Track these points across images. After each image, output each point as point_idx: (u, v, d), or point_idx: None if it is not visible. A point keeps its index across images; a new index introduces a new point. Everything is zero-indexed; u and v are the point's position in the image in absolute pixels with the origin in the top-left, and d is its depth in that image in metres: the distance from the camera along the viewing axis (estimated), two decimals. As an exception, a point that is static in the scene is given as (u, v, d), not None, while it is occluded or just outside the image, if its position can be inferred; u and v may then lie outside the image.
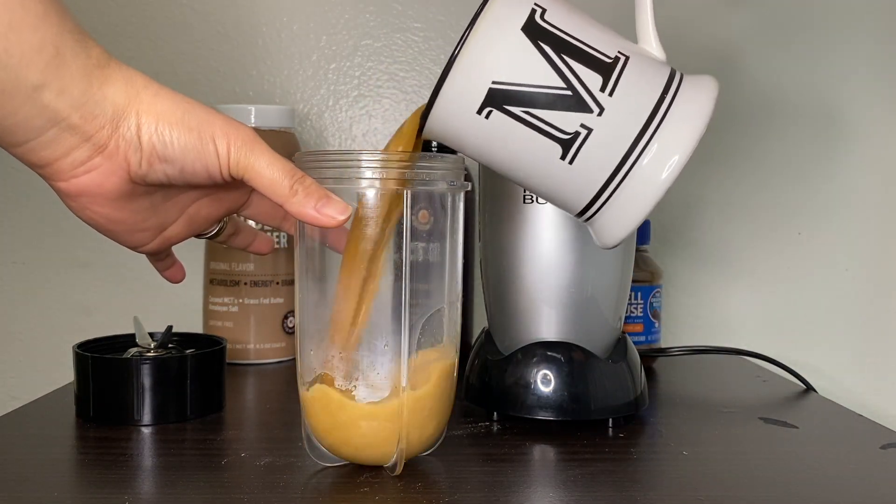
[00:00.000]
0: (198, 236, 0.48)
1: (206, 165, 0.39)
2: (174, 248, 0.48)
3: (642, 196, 0.40)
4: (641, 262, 0.67)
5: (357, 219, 0.41)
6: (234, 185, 0.42)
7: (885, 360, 0.82)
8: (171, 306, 0.80)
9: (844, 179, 0.81)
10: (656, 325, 0.68)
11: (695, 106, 0.40)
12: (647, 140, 0.39)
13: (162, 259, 0.48)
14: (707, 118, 0.40)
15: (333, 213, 0.40)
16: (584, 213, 0.42)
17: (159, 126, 0.38)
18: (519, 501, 0.39)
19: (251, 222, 0.59)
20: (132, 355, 0.53)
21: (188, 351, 0.54)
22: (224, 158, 0.39)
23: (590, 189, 0.40)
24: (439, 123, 0.40)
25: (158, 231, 0.43)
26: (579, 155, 0.39)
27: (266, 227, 0.64)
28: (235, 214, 0.49)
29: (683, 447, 0.48)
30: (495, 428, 0.51)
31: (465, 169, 0.44)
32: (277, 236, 0.68)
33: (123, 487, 0.40)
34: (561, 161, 0.40)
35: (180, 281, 0.50)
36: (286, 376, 0.65)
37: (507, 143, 0.40)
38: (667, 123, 0.39)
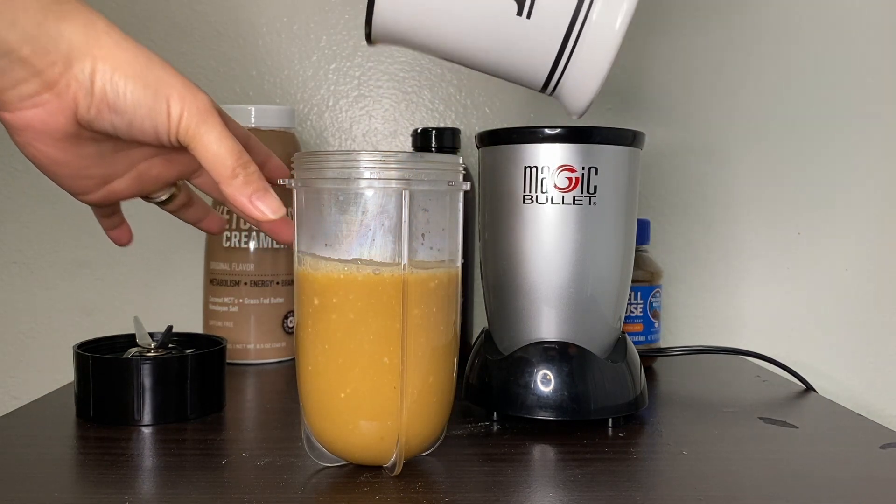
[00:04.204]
0: (147, 199, 0.46)
1: (156, 125, 0.38)
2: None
3: (601, 48, 0.40)
4: (641, 262, 0.67)
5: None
6: (185, 149, 0.41)
7: (885, 360, 0.82)
8: (171, 306, 0.80)
9: (845, 179, 0.81)
10: (656, 325, 0.68)
11: None
12: None
13: (108, 216, 0.47)
14: None
15: (266, 208, 0.39)
16: (550, 81, 0.42)
17: (115, 76, 0.37)
18: (519, 501, 0.39)
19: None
20: (132, 355, 0.53)
21: (188, 351, 0.54)
22: (175, 122, 0.38)
23: (552, 46, 0.40)
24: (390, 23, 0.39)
25: (103, 182, 0.42)
26: (535, 6, 0.39)
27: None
28: (189, 183, 0.47)
29: (683, 447, 0.48)
30: (495, 428, 0.51)
31: (465, 169, 0.44)
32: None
33: (123, 487, 0.40)
34: (518, 17, 0.40)
35: (127, 243, 0.49)
36: (286, 376, 0.65)
37: (462, 13, 0.40)
38: None
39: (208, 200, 0.59)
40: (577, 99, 0.43)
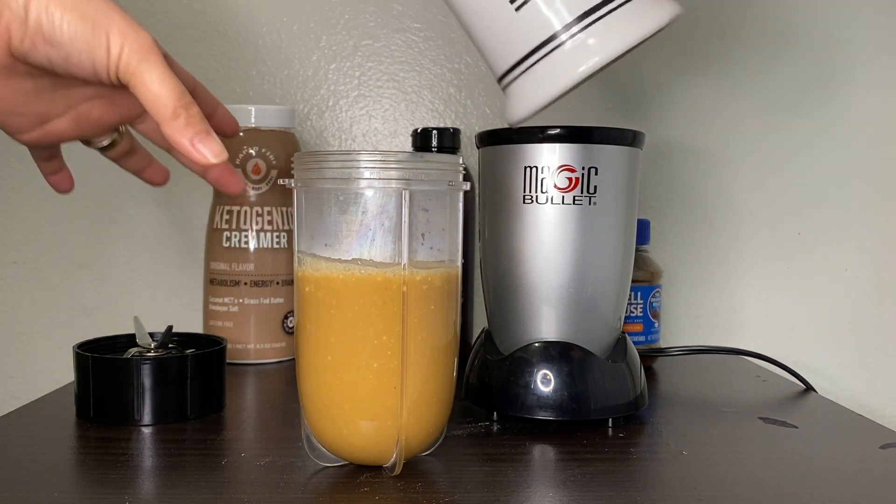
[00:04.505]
0: (88, 144, 0.45)
1: (94, 61, 0.37)
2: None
3: (557, 77, 0.42)
4: (641, 262, 0.67)
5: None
6: (128, 90, 0.39)
7: (885, 361, 0.82)
8: (171, 306, 0.80)
9: (845, 180, 0.81)
10: (656, 325, 0.68)
11: (639, 20, 0.41)
12: (586, 25, 0.41)
13: (47, 159, 0.46)
14: (642, 36, 0.41)
15: (208, 151, 0.38)
16: (506, 77, 0.44)
17: (51, 6, 0.36)
18: (519, 501, 0.39)
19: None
20: (132, 355, 0.53)
21: (188, 351, 0.54)
22: (114, 59, 0.37)
23: (522, 47, 0.42)
24: None
25: (40, 121, 0.41)
26: (527, 4, 0.41)
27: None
28: (131, 128, 0.46)
29: (683, 447, 0.48)
30: (495, 428, 0.51)
31: (465, 169, 0.44)
32: (277, 236, 0.68)
33: (123, 487, 0.40)
34: (509, 4, 0.41)
35: (67, 191, 0.48)
36: (286, 376, 0.65)
37: None
38: (609, 19, 0.41)
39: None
40: (517, 108, 0.44)
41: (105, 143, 0.45)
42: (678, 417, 0.55)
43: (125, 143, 0.46)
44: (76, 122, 0.42)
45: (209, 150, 0.38)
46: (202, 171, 0.42)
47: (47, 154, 0.46)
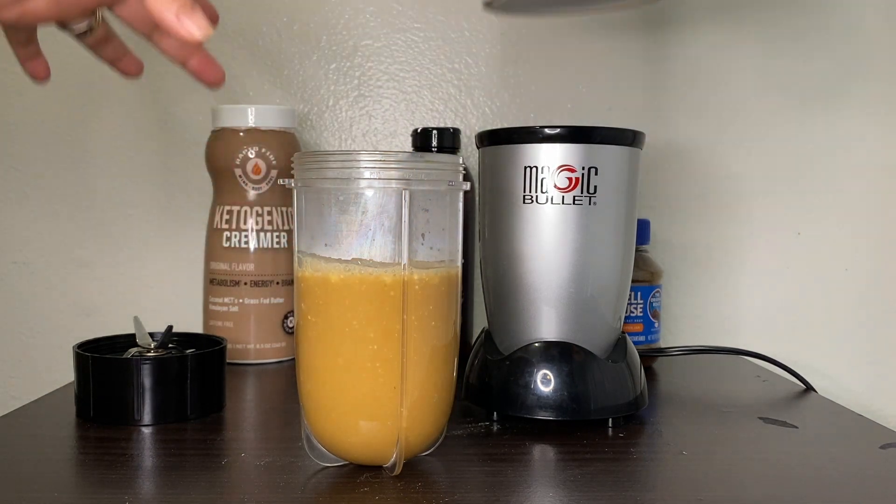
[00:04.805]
0: (64, 28, 0.44)
1: None
2: None
3: None
4: (641, 262, 0.67)
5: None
6: None
7: (885, 360, 0.82)
8: (171, 306, 0.80)
9: (845, 179, 0.81)
10: (656, 325, 0.68)
11: None
12: None
13: (24, 44, 0.45)
14: None
15: (193, 26, 0.37)
16: None
17: None
18: (519, 501, 0.39)
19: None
20: (132, 355, 0.53)
21: (188, 351, 0.54)
22: None
23: None
24: None
25: None
26: None
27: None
28: (110, 13, 0.46)
29: (683, 447, 0.48)
30: (495, 428, 0.51)
31: (465, 169, 0.44)
32: (277, 236, 0.68)
33: (123, 487, 0.40)
34: None
35: (44, 79, 0.47)
36: (286, 376, 0.65)
37: None
38: None
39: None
40: None
41: (82, 28, 0.45)
42: (678, 417, 0.55)
43: (102, 30, 0.46)
44: (54, 3, 0.41)
45: (195, 24, 0.37)
46: (183, 58, 0.41)
47: (24, 37, 0.45)
